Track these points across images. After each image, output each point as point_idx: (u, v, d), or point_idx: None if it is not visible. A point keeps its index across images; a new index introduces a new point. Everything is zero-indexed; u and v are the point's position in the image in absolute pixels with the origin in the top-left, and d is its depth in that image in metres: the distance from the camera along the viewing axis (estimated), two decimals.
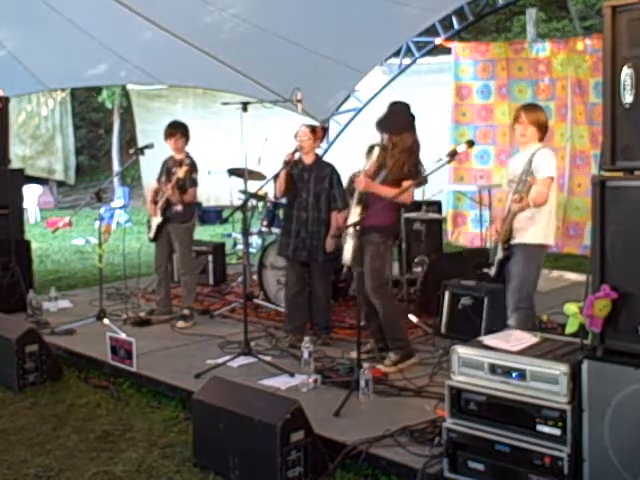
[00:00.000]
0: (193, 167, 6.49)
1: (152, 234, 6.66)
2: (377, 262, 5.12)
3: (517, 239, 4.66)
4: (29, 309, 6.67)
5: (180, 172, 6.29)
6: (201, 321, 6.66)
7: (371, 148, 7.48)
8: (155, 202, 6.60)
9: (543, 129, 4.78)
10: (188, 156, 6.57)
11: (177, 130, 6.58)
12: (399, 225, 5.41)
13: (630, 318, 3.05)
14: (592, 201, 3.16)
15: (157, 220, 6.57)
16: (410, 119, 5.18)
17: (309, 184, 5.83)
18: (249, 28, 8.36)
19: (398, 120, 5.17)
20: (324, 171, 5.87)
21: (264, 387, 4.72)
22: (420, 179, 5.06)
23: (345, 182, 6.07)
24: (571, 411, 3.17)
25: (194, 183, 6.53)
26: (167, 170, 6.61)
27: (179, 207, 6.47)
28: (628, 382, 3.02)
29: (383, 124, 5.19)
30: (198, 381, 4.81)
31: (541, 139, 4.79)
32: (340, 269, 7.06)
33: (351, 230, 5.05)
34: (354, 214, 5.15)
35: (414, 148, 5.13)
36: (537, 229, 4.65)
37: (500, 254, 4.72)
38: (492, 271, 4.79)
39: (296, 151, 5.77)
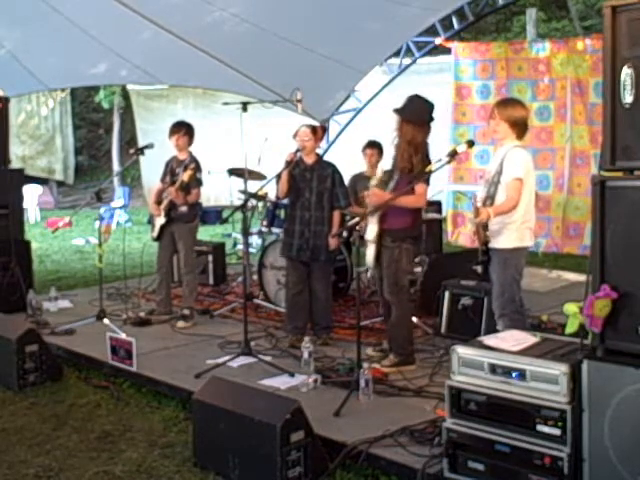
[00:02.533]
0: (197, 167, 6.50)
1: (155, 234, 6.67)
2: (392, 266, 5.13)
3: (492, 243, 4.53)
4: (29, 309, 6.67)
5: (185, 176, 6.29)
6: (201, 321, 6.66)
7: (368, 144, 7.51)
8: (158, 202, 6.60)
9: (518, 126, 4.57)
10: (191, 156, 6.58)
11: (180, 128, 6.58)
12: (417, 228, 5.24)
13: (630, 318, 3.05)
14: (592, 201, 3.15)
15: (161, 221, 6.57)
16: (425, 116, 5.12)
17: (312, 184, 5.83)
18: (249, 28, 8.36)
19: (412, 110, 5.13)
20: (326, 171, 5.87)
21: (264, 387, 4.72)
22: (422, 176, 4.97)
23: (347, 182, 6.07)
24: (571, 411, 3.17)
25: (199, 183, 6.53)
26: (171, 170, 6.62)
27: (184, 208, 6.48)
28: (628, 382, 3.02)
29: (399, 108, 5.15)
30: (198, 381, 4.81)
31: (519, 136, 4.59)
32: (341, 269, 7.08)
33: (372, 236, 5.10)
34: (372, 222, 5.15)
35: (421, 146, 5.07)
36: (510, 233, 4.49)
37: (479, 256, 4.63)
38: (479, 269, 4.70)
39: (298, 151, 5.77)
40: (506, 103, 4.76)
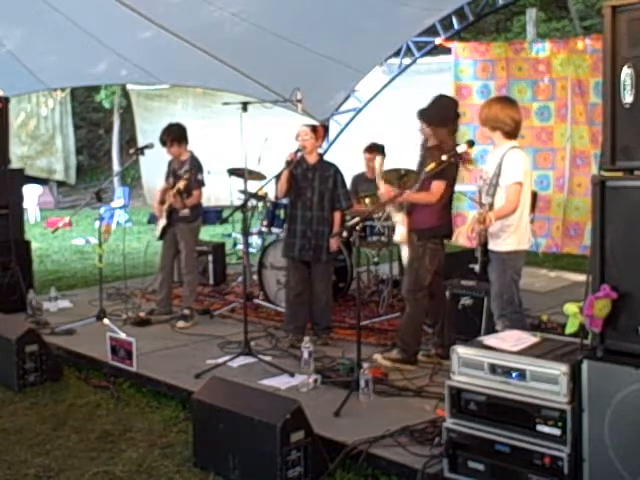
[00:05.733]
0: (197, 168, 6.50)
1: (158, 233, 6.69)
2: (414, 264, 5.13)
3: (490, 245, 4.53)
4: (29, 309, 6.68)
5: (181, 184, 6.32)
6: (201, 321, 6.66)
7: (367, 148, 7.51)
8: (162, 202, 6.60)
9: (499, 128, 4.49)
10: (192, 157, 6.58)
11: (167, 138, 6.53)
12: (444, 226, 5.17)
13: (630, 318, 3.05)
14: (592, 201, 3.15)
15: (162, 222, 6.60)
16: (449, 115, 5.11)
17: (313, 183, 5.83)
18: (249, 27, 8.36)
19: (438, 112, 5.12)
20: (328, 171, 5.87)
21: (264, 387, 4.72)
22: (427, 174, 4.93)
23: (348, 183, 6.07)
24: (571, 411, 3.17)
25: (200, 184, 6.53)
26: (173, 171, 6.63)
27: (186, 210, 6.48)
28: (628, 382, 3.02)
29: (423, 112, 5.13)
30: (198, 381, 4.82)
31: (509, 137, 4.51)
32: (341, 269, 7.08)
33: (399, 237, 5.14)
34: (399, 222, 5.17)
35: (444, 146, 5.01)
36: (507, 236, 4.47)
37: (479, 257, 4.58)
38: (477, 268, 4.69)
39: (298, 151, 5.77)
40: (482, 108, 4.66)
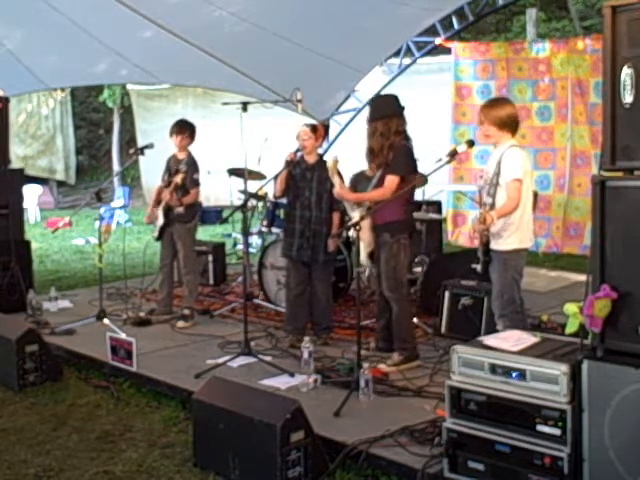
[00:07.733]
0: (194, 167, 6.50)
1: (156, 234, 6.69)
2: (391, 262, 5.15)
3: (492, 245, 4.53)
4: (29, 309, 6.68)
5: (178, 178, 6.32)
6: (201, 321, 6.66)
7: None
8: (158, 203, 6.59)
9: (507, 125, 4.52)
10: (190, 156, 6.57)
11: (185, 129, 6.57)
12: (410, 222, 5.32)
13: (630, 318, 3.05)
14: (592, 201, 3.15)
15: (160, 222, 6.59)
16: (388, 109, 5.21)
17: (312, 183, 5.83)
18: (249, 27, 8.36)
19: (374, 109, 5.29)
20: (327, 172, 5.86)
21: (264, 387, 4.72)
22: (413, 181, 5.02)
23: (347, 182, 6.08)
24: (571, 411, 3.17)
25: (196, 183, 6.52)
26: (169, 169, 6.62)
27: (181, 209, 6.48)
28: (628, 382, 3.02)
29: (367, 118, 5.31)
30: (198, 381, 4.81)
31: (512, 134, 4.54)
32: (341, 269, 7.08)
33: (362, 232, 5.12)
34: (354, 217, 5.18)
35: (394, 139, 5.12)
36: (509, 235, 4.47)
37: (481, 256, 4.60)
38: (479, 267, 4.66)
39: (298, 151, 5.77)
40: (489, 105, 4.68)
